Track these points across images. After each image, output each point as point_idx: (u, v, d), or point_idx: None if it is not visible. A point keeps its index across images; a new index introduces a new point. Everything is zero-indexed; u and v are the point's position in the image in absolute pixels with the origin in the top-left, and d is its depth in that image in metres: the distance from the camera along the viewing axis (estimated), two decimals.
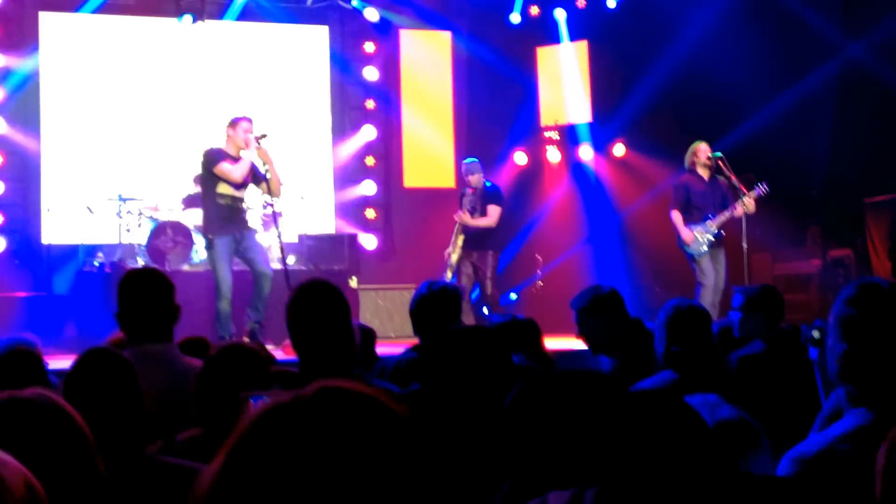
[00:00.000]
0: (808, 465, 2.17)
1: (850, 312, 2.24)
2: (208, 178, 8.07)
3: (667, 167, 10.38)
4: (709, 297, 8.48)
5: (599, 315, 4.62)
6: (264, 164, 8.00)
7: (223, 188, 7.96)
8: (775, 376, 4.10)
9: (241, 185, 8.02)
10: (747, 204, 8.58)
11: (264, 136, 7.95)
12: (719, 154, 8.81)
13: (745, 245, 8.79)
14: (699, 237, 8.72)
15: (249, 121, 8.04)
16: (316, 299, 3.45)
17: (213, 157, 7.97)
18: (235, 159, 7.95)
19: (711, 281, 8.69)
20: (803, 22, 10.31)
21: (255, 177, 8.05)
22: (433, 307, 4.36)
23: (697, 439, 1.91)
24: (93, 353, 2.81)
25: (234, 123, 8.04)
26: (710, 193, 8.78)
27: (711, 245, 8.72)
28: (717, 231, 8.70)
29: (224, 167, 7.89)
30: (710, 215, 8.68)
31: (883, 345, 2.21)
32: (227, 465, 0.98)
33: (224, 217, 7.97)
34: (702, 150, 8.84)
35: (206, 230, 8.14)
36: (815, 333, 3.47)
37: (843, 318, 2.26)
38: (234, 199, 8.03)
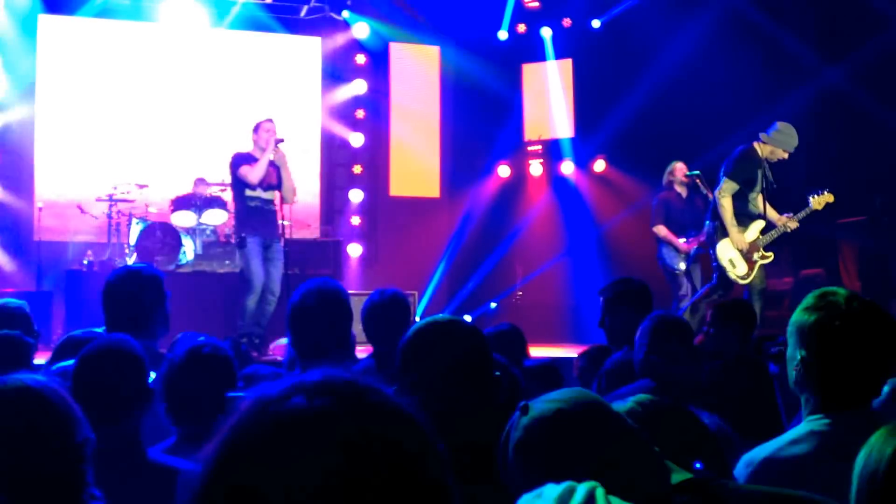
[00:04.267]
0: (760, 469, 2.24)
1: (807, 320, 2.27)
2: (235, 181, 8.20)
3: (645, 184, 10.55)
4: (686, 313, 8.64)
5: (623, 307, 4.57)
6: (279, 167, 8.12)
7: (252, 191, 8.06)
8: (740, 389, 4.21)
9: (268, 187, 8.10)
10: None
11: (281, 140, 8.06)
12: (697, 172, 8.99)
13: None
14: (680, 253, 8.92)
15: (271, 121, 8.15)
16: (319, 298, 3.52)
17: (235, 162, 8.10)
18: (257, 161, 8.06)
19: (688, 294, 8.85)
20: (781, 46, 10.56)
21: (279, 180, 8.14)
22: (382, 315, 4.31)
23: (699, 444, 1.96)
24: (107, 345, 2.81)
25: (256, 127, 8.16)
26: (689, 210, 8.95)
27: (690, 261, 8.90)
28: (697, 248, 8.86)
29: (243, 170, 8.01)
30: (691, 232, 8.85)
31: (838, 352, 2.23)
32: (220, 465, 0.93)
33: (255, 218, 8.07)
34: (678, 168, 9.01)
35: (238, 230, 8.23)
36: (776, 349, 3.57)
37: (800, 326, 2.29)
38: (262, 200, 8.10)
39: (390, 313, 4.29)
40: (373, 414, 0.94)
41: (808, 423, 2.28)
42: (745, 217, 7.91)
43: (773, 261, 7.96)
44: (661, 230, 8.97)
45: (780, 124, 7.95)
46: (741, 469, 2.27)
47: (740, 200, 7.88)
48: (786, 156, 7.89)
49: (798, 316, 2.31)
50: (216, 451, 0.94)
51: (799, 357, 2.29)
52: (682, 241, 8.88)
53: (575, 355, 8.04)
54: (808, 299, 2.33)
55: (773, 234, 7.94)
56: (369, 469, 0.90)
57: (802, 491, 1.75)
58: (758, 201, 7.91)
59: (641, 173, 11.00)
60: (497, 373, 2.66)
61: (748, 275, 7.88)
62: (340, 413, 0.93)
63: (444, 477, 0.96)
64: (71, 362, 2.91)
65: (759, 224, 7.92)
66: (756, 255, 7.90)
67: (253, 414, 0.95)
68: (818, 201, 7.95)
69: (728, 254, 7.90)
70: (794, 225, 7.94)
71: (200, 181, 10.78)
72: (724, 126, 10.77)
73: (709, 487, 1.67)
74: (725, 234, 7.87)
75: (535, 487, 1.42)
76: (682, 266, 8.87)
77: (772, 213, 7.99)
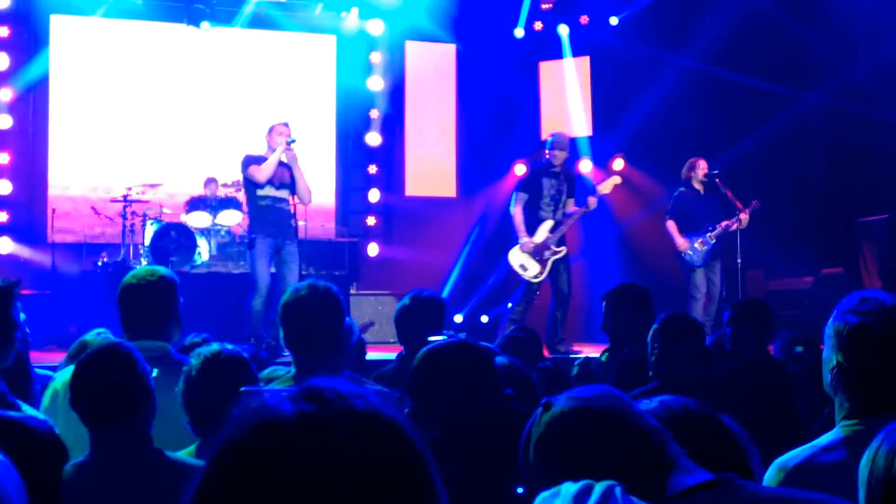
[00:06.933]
0: (794, 475, 2.20)
1: (846, 324, 2.23)
2: (245, 181, 8.21)
3: (664, 183, 10.50)
4: (699, 311, 8.67)
5: (625, 311, 4.66)
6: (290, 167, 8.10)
7: (262, 190, 8.04)
8: (757, 388, 4.19)
9: (280, 187, 8.07)
10: (742, 219, 8.80)
11: (293, 140, 8.04)
12: (716, 172, 9.05)
13: (739, 261, 8.98)
14: (698, 248, 8.92)
15: (285, 125, 8.16)
16: (309, 301, 3.51)
17: (245, 163, 8.10)
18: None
19: (702, 294, 8.87)
20: (802, 42, 10.48)
21: (292, 179, 8.12)
22: (417, 317, 4.38)
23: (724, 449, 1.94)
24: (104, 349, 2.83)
25: (270, 130, 8.16)
26: (706, 206, 9.02)
27: (709, 256, 8.92)
28: (714, 242, 8.90)
29: (251, 169, 8.01)
30: (708, 227, 8.91)
31: (877, 357, 2.20)
32: (208, 477, 0.95)
33: (266, 218, 8.04)
34: (701, 166, 9.07)
35: (249, 230, 8.24)
36: (799, 349, 3.54)
37: (838, 329, 2.25)
38: (274, 199, 8.07)
39: (424, 316, 4.37)
40: (353, 420, 0.95)
41: (843, 429, 2.24)
42: (535, 223, 8.65)
43: (791, 259, 8.06)
44: (670, 225, 9.06)
45: (551, 135, 8.88)
46: (773, 474, 2.23)
47: (532, 209, 8.66)
48: (566, 153, 8.73)
49: (836, 320, 2.26)
50: (212, 454, 0.97)
51: (835, 360, 2.25)
52: (681, 238, 8.95)
53: (592, 355, 8.06)
54: (847, 302, 2.28)
55: (563, 228, 8.66)
56: (342, 475, 0.92)
57: (827, 495, 1.71)
58: (549, 205, 8.64)
59: (660, 172, 10.95)
60: (509, 391, 2.68)
61: (541, 273, 8.65)
62: (322, 419, 0.95)
63: (424, 483, 0.97)
64: None
65: (548, 224, 8.63)
66: (547, 254, 8.62)
67: (246, 419, 0.97)
68: (606, 185, 8.85)
69: (517, 260, 8.70)
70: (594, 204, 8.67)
71: (211, 181, 10.77)
72: (744, 124, 10.71)
73: (730, 488, 1.64)
74: (515, 243, 8.71)
75: (554, 484, 1.45)
76: (701, 261, 8.91)
77: (571, 209, 8.78)
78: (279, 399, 0.98)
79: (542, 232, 8.63)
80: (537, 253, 8.63)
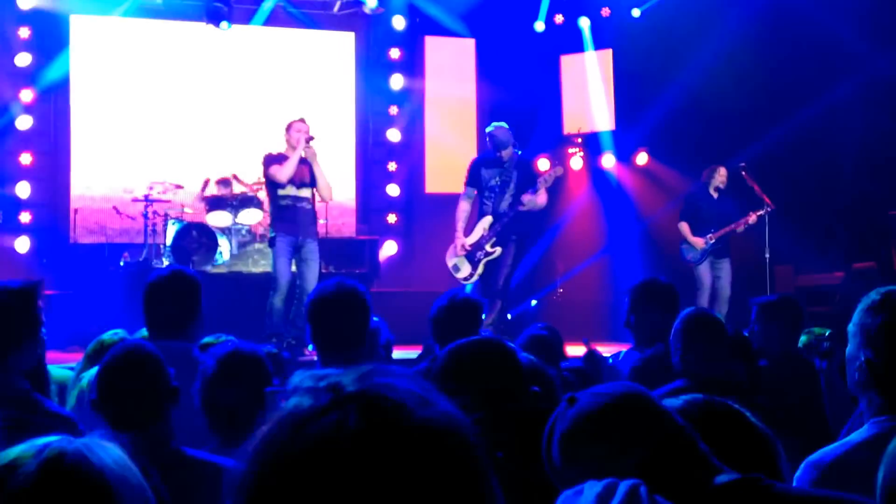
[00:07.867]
0: (826, 473, 2.17)
1: (873, 320, 2.21)
2: (267, 181, 8.22)
3: (689, 176, 10.42)
4: (704, 303, 8.83)
5: (649, 307, 4.61)
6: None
7: (283, 189, 8.03)
8: (785, 386, 4.13)
9: (300, 185, 8.06)
10: (749, 220, 9.01)
11: (311, 138, 8.02)
12: (743, 164, 9.07)
13: (767, 256, 8.95)
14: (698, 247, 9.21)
15: (302, 121, 8.14)
16: (335, 300, 3.53)
17: (265, 163, 8.11)
18: (287, 160, 8.04)
19: (705, 287, 9.16)
20: (831, 33, 10.32)
21: (312, 177, 8.10)
22: (453, 318, 4.38)
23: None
24: (128, 348, 2.83)
25: (288, 127, 8.15)
26: (717, 211, 9.20)
27: (706, 254, 9.16)
28: (713, 242, 9.13)
29: (272, 169, 8.01)
30: (711, 230, 9.14)
31: None
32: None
33: (286, 217, 8.03)
34: (721, 174, 9.24)
35: (271, 228, 8.23)
36: (826, 344, 3.49)
37: (864, 326, 2.22)
38: (295, 198, 8.06)
39: (459, 318, 4.37)
40: (416, 436, 0.91)
41: (874, 426, 2.21)
42: (480, 218, 8.42)
43: (821, 254, 8.07)
44: (683, 227, 9.31)
45: (490, 129, 8.50)
46: (806, 472, 2.20)
47: (478, 205, 8.45)
48: (509, 147, 8.28)
49: (861, 316, 2.23)
50: (252, 470, 0.92)
51: (863, 358, 2.21)
52: (696, 237, 9.22)
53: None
54: (872, 299, 2.24)
55: (497, 226, 8.24)
56: (408, 490, 0.87)
57: (856, 495, 1.68)
58: (489, 198, 8.33)
59: (685, 166, 10.85)
60: (535, 388, 2.66)
61: (472, 275, 8.37)
62: (383, 435, 0.89)
63: (488, 489, 0.94)
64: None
65: (486, 221, 8.35)
66: (480, 255, 8.36)
67: (287, 432, 0.91)
68: (547, 179, 8.22)
69: (451, 260, 8.50)
70: (542, 200, 8.21)
71: (224, 181, 10.76)
72: (770, 116, 10.57)
73: (757, 488, 1.61)
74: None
75: (578, 480, 1.44)
76: (698, 258, 9.23)
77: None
78: (330, 412, 0.91)
79: (478, 230, 8.41)
80: (471, 254, 8.43)
